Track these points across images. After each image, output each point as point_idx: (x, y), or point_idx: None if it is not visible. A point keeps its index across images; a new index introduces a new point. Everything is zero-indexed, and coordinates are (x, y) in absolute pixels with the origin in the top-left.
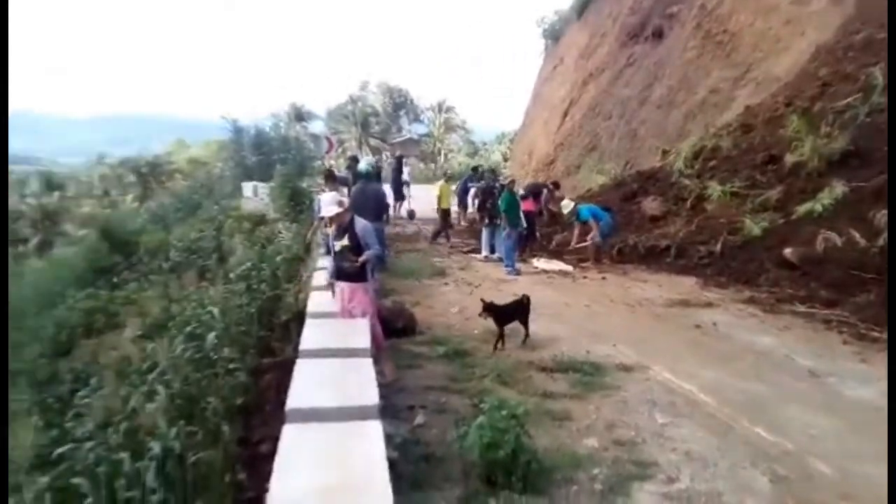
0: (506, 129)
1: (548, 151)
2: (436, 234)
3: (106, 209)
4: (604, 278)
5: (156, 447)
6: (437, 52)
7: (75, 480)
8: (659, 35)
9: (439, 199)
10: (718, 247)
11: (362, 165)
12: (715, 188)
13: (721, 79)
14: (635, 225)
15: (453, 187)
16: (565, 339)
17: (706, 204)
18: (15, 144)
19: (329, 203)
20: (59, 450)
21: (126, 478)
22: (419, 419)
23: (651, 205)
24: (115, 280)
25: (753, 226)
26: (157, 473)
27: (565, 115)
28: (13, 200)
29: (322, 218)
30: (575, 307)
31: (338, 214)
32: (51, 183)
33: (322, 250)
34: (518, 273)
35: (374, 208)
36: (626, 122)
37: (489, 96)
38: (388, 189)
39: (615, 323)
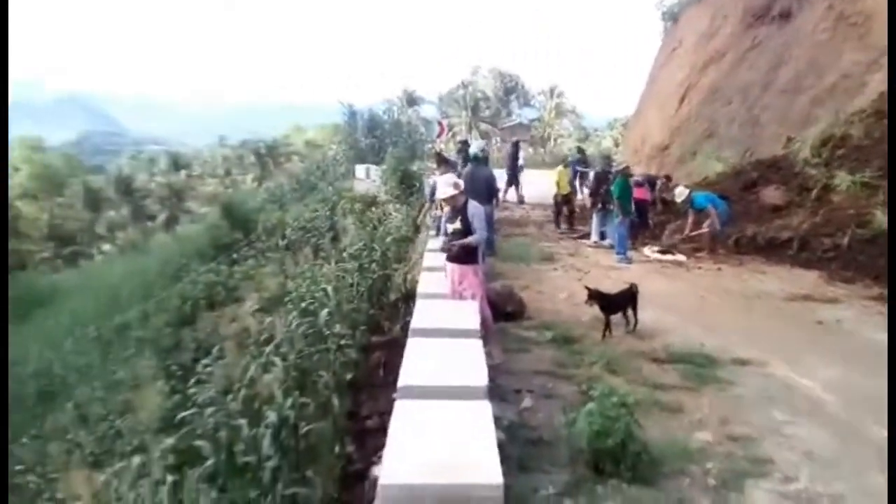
0: (618, 115)
1: (662, 137)
2: (567, 221)
3: (227, 188)
4: (719, 269)
5: (271, 416)
6: (549, 37)
7: (198, 443)
8: (786, 16)
9: (558, 184)
10: (845, 240)
11: (473, 149)
12: (844, 178)
13: (853, 63)
14: (754, 215)
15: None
16: (677, 330)
17: (833, 195)
18: (144, 126)
19: (445, 185)
20: (183, 414)
21: (244, 443)
22: (526, 403)
23: (772, 194)
24: (234, 256)
25: (885, 218)
26: (272, 441)
27: (682, 99)
28: (144, 179)
29: (434, 200)
30: (688, 298)
31: (452, 197)
32: (177, 163)
33: (433, 232)
34: (629, 261)
35: (485, 192)
36: (748, 107)
37: (601, 81)
38: (500, 173)
39: (731, 315)
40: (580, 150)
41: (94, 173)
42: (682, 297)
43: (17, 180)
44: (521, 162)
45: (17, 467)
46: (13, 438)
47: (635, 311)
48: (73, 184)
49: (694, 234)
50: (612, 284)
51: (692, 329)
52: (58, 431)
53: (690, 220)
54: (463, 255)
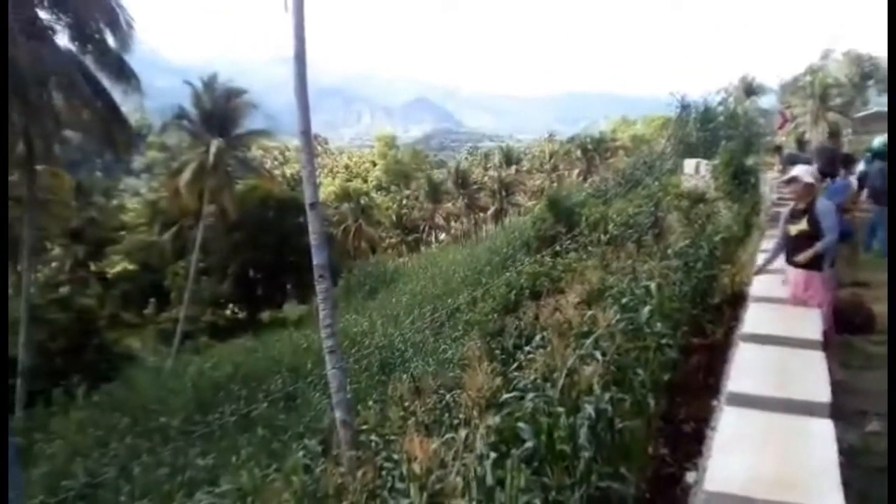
0: None
1: None
2: None
3: (553, 183)
4: None
5: (589, 408)
6: None
7: (519, 425)
8: None
9: None
10: None
11: (876, 143)
12: None
13: None
14: None
15: None
16: None
17: None
18: (480, 123)
19: (805, 173)
20: (505, 396)
21: (561, 431)
22: (873, 426)
23: None
24: (557, 248)
25: None
26: (588, 432)
27: None
28: (478, 173)
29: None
30: None
31: (807, 186)
32: (509, 158)
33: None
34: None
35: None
36: None
37: None
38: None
39: None
40: None
41: (436, 167)
42: None
43: (375, 174)
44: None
45: (363, 426)
46: (360, 400)
47: None
48: (418, 177)
49: None
50: None
51: None
52: (396, 399)
53: None
54: (809, 261)
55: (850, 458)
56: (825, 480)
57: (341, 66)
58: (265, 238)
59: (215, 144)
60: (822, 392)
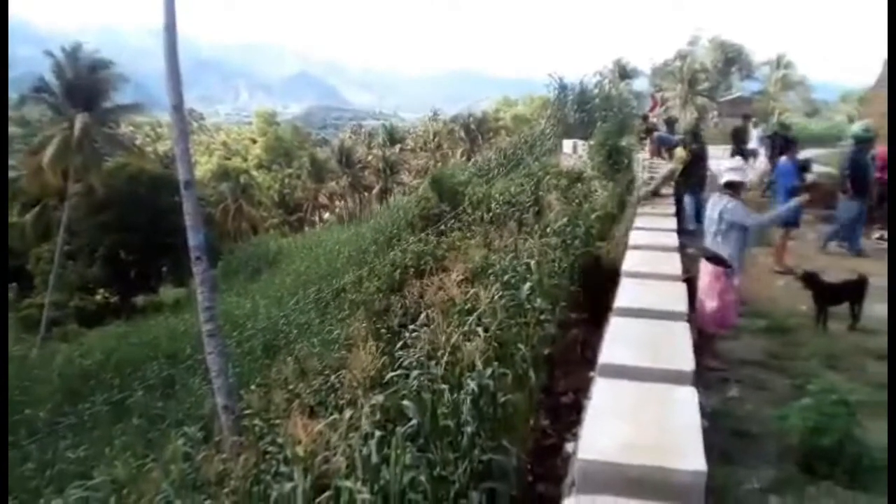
0: (854, 87)
1: None
2: None
3: (437, 162)
4: None
5: (471, 384)
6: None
7: (403, 403)
8: None
9: None
10: None
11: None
12: None
13: None
14: None
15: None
16: None
17: None
18: (366, 100)
19: (735, 169)
20: (390, 374)
21: (445, 407)
22: (733, 392)
23: None
24: (442, 227)
25: None
26: (471, 407)
27: None
28: (363, 152)
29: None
30: None
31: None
32: (393, 137)
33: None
34: (860, 250)
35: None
36: None
37: (834, 48)
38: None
39: None
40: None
41: (319, 146)
42: None
43: (255, 151)
44: (752, 144)
45: (246, 411)
46: (243, 384)
47: (860, 304)
48: (301, 156)
49: None
50: (835, 273)
51: None
52: (280, 382)
53: None
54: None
55: (714, 422)
56: (689, 444)
57: (219, 38)
58: (137, 218)
59: (80, 119)
60: (686, 361)
